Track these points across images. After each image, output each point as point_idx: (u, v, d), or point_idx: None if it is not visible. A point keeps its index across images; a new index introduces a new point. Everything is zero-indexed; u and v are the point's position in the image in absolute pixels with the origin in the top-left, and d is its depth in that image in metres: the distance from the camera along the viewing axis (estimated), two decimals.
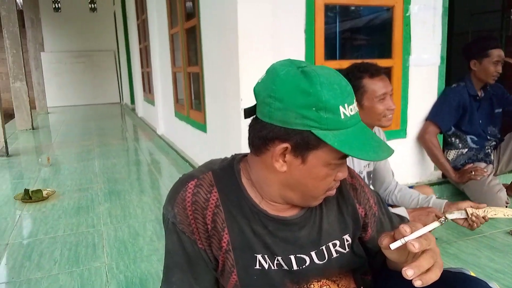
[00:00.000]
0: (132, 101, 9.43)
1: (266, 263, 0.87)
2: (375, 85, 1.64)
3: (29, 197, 3.10)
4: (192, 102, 3.99)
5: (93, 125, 7.74)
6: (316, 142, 0.75)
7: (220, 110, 2.89)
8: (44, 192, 3.19)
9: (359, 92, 1.64)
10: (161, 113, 5.49)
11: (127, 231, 2.51)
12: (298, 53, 2.40)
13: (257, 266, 0.87)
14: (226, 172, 0.89)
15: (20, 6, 8.76)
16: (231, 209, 0.86)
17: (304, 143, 0.76)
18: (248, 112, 0.84)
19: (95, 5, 10.67)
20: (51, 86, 11.01)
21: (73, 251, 2.26)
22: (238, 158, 0.93)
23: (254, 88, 0.82)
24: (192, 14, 3.55)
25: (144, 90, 7.43)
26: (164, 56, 4.96)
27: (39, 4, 9.72)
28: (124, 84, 10.90)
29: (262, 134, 0.79)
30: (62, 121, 8.53)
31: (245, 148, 2.51)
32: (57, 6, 10.47)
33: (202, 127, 3.42)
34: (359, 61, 1.71)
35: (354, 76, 1.63)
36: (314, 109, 0.73)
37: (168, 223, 0.87)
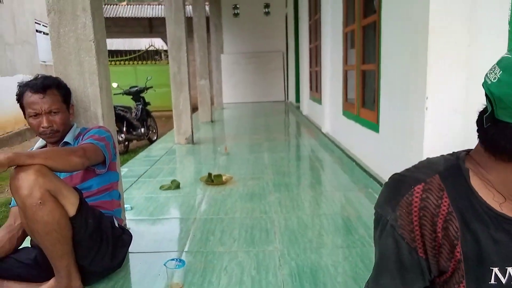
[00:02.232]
0: (297, 99, 9.80)
1: (505, 277, 0.77)
2: None
3: (211, 180, 3.50)
4: (363, 101, 3.92)
5: (261, 121, 8.30)
6: None
7: (398, 109, 2.76)
8: (224, 177, 3.55)
9: None
10: (327, 112, 5.55)
11: (296, 222, 2.60)
12: (499, 49, 2.11)
13: (492, 281, 0.77)
14: (453, 173, 0.81)
15: (207, 13, 10.02)
16: (465, 215, 0.78)
17: None
18: (490, 119, 0.74)
19: (269, 9, 11.40)
20: (226, 85, 12.26)
21: (249, 233, 2.45)
22: (463, 156, 0.84)
23: (491, 90, 0.72)
24: (372, 10, 3.48)
25: (310, 89, 7.63)
26: (335, 55, 5.00)
27: (221, 10, 10.89)
28: (290, 83, 11.40)
29: None
30: (234, 116, 9.39)
31: (427, 152, 2.35)
32: (236, 12, 11.55)
33: (374, 126, 3.33)
34: None
35: None
36: None
37: (386, 224, 0.83)
